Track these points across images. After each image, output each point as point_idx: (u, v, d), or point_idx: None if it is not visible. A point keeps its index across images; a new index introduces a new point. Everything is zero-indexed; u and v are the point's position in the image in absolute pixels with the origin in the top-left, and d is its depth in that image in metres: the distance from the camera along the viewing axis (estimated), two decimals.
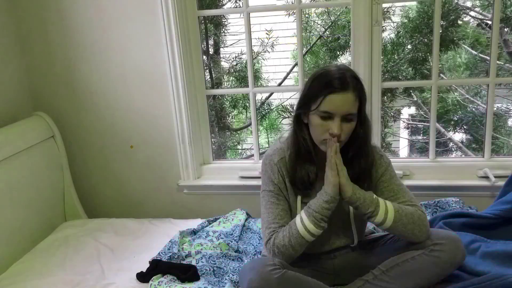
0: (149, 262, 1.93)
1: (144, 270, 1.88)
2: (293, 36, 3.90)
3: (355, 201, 1.54)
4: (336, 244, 1.73)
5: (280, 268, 1.50)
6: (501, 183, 2.03)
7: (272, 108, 3.96)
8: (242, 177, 2.46)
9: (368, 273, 1.63)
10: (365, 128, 1.60)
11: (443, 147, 3.82)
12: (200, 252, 1.94)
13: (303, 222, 1.55)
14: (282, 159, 1.66)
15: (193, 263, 1.89)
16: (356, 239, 1.72)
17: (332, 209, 1.55)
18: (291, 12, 3.52)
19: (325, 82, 1.51)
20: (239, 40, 3.72)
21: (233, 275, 1.83)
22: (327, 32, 3.71)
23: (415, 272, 1.56)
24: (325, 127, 1.52)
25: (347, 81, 1.50)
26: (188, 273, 1.81)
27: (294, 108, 1.66)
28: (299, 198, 1.66)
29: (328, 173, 1.54)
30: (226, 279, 1.81)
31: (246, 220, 2.25)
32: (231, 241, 2.06)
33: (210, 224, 2.24)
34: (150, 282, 1.80)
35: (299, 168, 1.63)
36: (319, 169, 1.62)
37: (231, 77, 3.81)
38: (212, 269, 1.84)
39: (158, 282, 1.79)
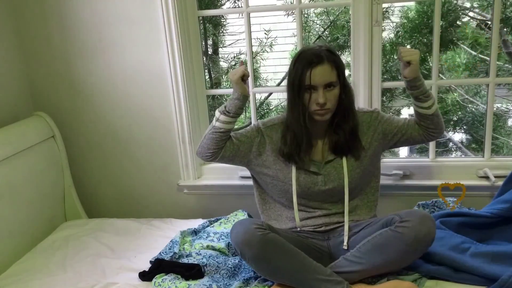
0: (150, 261, 1.94)
1: (147, 270, 1.88)
2: (292, 36, 3.90)
3: (420, 79, 1.77)
4: (327, 222, 1.86)
5: (265, 229, 1.64)
6: (501, 183, 2.03)
7: (271, 108, 3.97)
8: (242, 177, 2.45)
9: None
10: (348, 94, 1.80)
11: (443, 147, 3.82)
12: (200, 253, 1.94)
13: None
14: (274, 125, 1.90)
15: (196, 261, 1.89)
16: (347, 217, 1.83)
17: (240, 104, 1.80)
18: (290, 12, 3.52)
19: (305, 60, 1.72)
20: (238, 40, 3.73)
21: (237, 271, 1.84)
22: (326, 32, 3.72)
23: (381, 247, 1.64)
24: (314, 99, 1.73)
25: (321, 55, 1.71)
26: (192, 271, 1.81)
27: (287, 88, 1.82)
28: (293, 167, 1.83)
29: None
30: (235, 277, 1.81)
31: None
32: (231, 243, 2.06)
33: (211, 224, 2.24)
34: (154, 280, 1.80)
35: (289, 136, 1.82)
36: (313, 137, 1.84)
37: None
38: (216, 267, 1.85)
39: (162, 279, 1.79)
